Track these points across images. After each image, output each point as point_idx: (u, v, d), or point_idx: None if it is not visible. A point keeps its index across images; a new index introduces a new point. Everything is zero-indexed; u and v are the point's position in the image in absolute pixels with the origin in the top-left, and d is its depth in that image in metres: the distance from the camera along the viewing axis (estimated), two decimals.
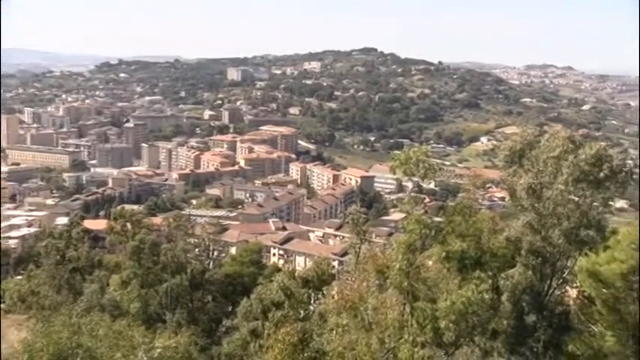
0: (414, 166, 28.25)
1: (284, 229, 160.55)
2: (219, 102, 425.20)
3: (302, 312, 38.67)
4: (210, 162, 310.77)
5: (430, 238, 27.83)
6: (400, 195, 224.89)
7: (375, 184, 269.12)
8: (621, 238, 34.04)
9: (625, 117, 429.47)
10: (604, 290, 34.29)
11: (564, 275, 32.97)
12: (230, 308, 57.12)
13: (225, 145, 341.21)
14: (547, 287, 32.27)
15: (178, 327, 44.52)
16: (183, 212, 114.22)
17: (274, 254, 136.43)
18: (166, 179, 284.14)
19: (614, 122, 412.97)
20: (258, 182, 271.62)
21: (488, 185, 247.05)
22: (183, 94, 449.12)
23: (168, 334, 32.24)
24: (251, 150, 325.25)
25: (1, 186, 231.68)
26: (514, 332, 31.29)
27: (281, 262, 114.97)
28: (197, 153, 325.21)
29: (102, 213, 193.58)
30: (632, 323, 32.19)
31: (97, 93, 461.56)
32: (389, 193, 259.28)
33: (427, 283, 27.87)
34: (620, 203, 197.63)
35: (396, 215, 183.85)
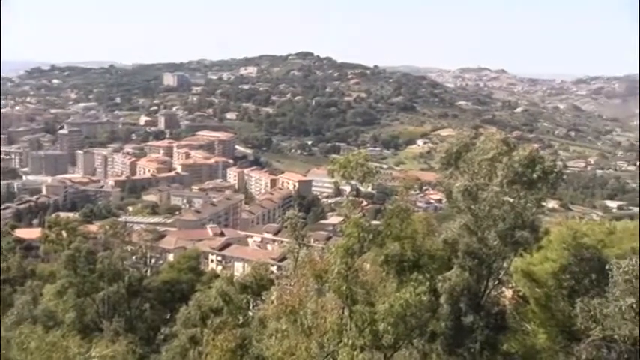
0: (353, 170, 28.37)
1: (222, 234, 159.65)
2: (155, 108, 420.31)
3: (241, 318, 38.53)
4: (146, 168, 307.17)
5: (368, 242, 27.93)
6: (338, 199, 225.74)
7: (313, 188, 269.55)
8: (553, 238, 34.77)
9: (555, 119, 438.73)
10: (537, 289, 35.00)
11: (500, 276, 33.47)
12: (168, 315, 56.65)
13: (162, 151, 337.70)
14: (484, 288, 32.70)
15: (116, 335, 43.93)
16: (120, 219, 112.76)
17: (212, 260, 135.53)
18: (102, 186, 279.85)
19: (545, 124, 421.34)
20: (195, 188, 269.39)
21: (425, 188, 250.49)
22: (118, 100, 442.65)
23: (106, 343, 31.77)
24: (188, 156, 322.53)
25: None
26: (452, 333, 31.60)
27: (219, 268, 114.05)
28: (133, 159, 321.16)
29: (35, 221, 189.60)
30: (562, 320, 32.89)
31: (28, 99, 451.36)
32: (327, 197, 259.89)
33: (366, 286, 27.96)
34: (552, 204, 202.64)
35: (334, 219, 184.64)
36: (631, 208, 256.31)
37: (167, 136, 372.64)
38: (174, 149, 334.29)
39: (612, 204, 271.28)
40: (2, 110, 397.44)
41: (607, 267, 26.95)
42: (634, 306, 24.90)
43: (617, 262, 26.04)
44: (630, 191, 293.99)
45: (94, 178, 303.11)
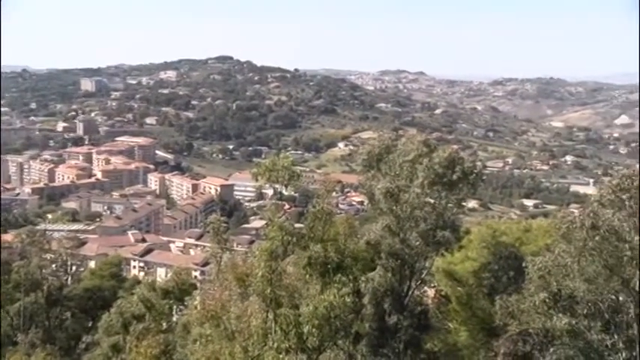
0: (278, 173, 28.35)
1: (144, 240, 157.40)
2: (73, 113, 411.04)
3: (164, 324, 38.14)
4: (65, 175, 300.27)
5: (292, 245, 27.93)
6: (260, 202, 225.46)
7: (235, 193, 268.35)
8: (473, 237, 35.55)
9: (473, 120, 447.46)
10: (458, 288, 35.71)
11: (423, 276, 33.95)
12: (90, 323, 55.54)
13: (81, 157, 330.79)
14: (407, 288, 33.08)
15: (32, 348, 42.86)
16: (38, 227, 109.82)
17: (134, 267, 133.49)
18: (18, 194, 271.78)
19: (464, 125, 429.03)
20: (116, 194, 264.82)
21: (346, 190, 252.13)
22: (33, 105, 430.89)
23: (20, 356, 30.94)
24: (108, 161, 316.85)
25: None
26: (376, 334, 31.89)
27: (142, 274, 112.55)
28: (51, 166, 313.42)
29: None
30: (483, 317, 33.59)
31: None
32: (249, 200, 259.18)
33: (289, 289, 27.96)
34: (472, 203, 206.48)
35: (256, 223, 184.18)
36: (545, 206, 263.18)
37: (86, 142, 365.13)
38: (94, 155, 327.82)
39: (529, 202, 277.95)
40: None
41: (523, 264, 27.64)
42: (547, 301, 25.60)
43: (533, 259, 26.72)
44: (544, 190, 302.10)
45: (8, 186, 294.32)
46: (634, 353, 24.92)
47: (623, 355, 24.96)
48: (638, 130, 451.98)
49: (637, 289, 24.72)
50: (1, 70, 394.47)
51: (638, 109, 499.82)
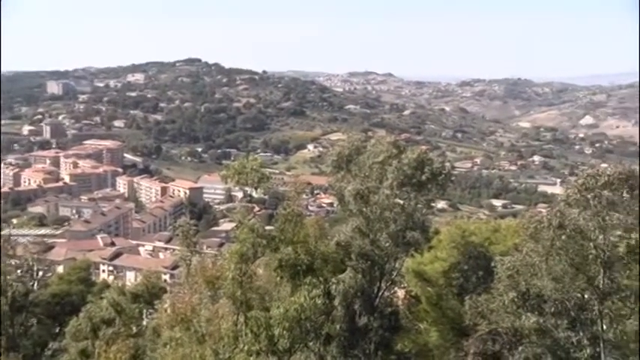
0: (247, 176, 28.30)
1: (113, 244, 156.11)
2: (40, 117, 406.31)
3: (134, 328, 37.91)
4: (31, 179, 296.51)
5: (262, 247, 27.91)
6: (230, 205, 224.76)
7: (204, 195, 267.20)
8: (443, 237, 35.75)
9: (442, 121, 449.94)
10: (428, 288, 35.88)
11: (393, 277, 34.06)
12: (57, 330, 54.78)
13: (48, 161, 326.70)
14: (377, 289, 33.17)
15: None
16: (3, 232, 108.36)
17: (104, 271, 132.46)
18: None
19: (432, 126, 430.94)
20: (84, 198, 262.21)
21: (316, 192, 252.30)
22: None
23: None
24: (76, 165, 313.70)
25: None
26: (347, 335, 31.92)
27: (111, 278, 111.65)
28: (17, 170, 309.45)
29: None
30: (453, 317, 33.81)
31: None
32: (218, 203, 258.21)
33: (260, 291, 27.96)
34: (441, 204, 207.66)
35: (226, 225, 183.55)
36: (514, 206, 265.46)
37: (53, 145, 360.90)
38: (62, 159, 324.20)
39: (497, 202, 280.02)
40: None
41: (492, 264, 27.89)
42: (515, 300, 25.88)
43: (501, 259, 26.98)
44: (512, 190, 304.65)
45: None
46: (597, 349, 25.31)
47: (588, 351, 25.37)
48: (602, 131, 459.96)
49: (601, 286, 25.11)
50: None
51: (600, 110, 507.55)
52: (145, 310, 40.66)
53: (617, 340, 25.38)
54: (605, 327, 25.38)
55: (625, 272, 25.12)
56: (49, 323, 56.34)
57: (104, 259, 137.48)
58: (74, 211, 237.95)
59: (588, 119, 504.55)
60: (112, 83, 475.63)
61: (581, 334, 25.75)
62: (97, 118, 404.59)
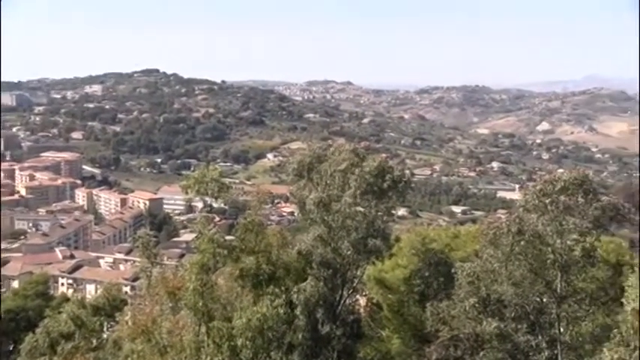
0: (207, 186, 28.23)
1: (72, 257, 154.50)
2: None
3: (94, 341, 37.40)
4: None
5: (223, 257, 27.84)
6: (190, 216, 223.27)
7: (164, 206, 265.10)
8: (403, 244, 35.94)
9: (401, 129, 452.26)
10: (390, 296, 36.03)
11: (355, 284, 34.13)
12: (12, 347, 53.68)
13: (3, 174, 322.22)
14: (339, 297, 33.21)
15: None
16: None
17: (63, 284, 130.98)
18: None
19: (392, 134, 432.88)
20: (42, 210, 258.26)
21: (277, 201, 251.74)
22: None
23: None
24: (32, 177, 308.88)
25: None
26: (309, 344, 31.91)
27: (70, 291, 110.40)
28: None
29: None
30: (414, 324, 34.01)
31: None
32: (178, 214, 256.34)
33: (222, 302, 27.87)
34: (401, 211, 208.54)
35: (186, 236, 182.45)
36: (473, 212, 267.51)
37: (7, 158, 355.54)
38: (17, 171, 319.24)
39: (457, 209, 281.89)
40: None
41: (453, 270, 28.14)
42: (476, 305, 26.16)
43: (462, 265, 27.23)
44: (472, 196, 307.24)
45: None
46: (555, 351, 25.71)
47: (546, 354, 25.80)
48: (558, 137, 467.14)
49: (558, 290, 25.53)
50: None
51: (557, 115, 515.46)
52: (105, 323, 40.12)
53: (574, 342, 25.86)
54: (562, 329, 25.84)
55: (581, 275, 25.61)
56: (3, 341, 55.24)
57: (63, 272, 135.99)
58: (31, 225, 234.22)
59: (544, 125, 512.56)
60: (69, 95, 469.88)
61: (539, 337, 26.14)
62: (55, 130, 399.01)
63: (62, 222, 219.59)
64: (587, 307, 26.08)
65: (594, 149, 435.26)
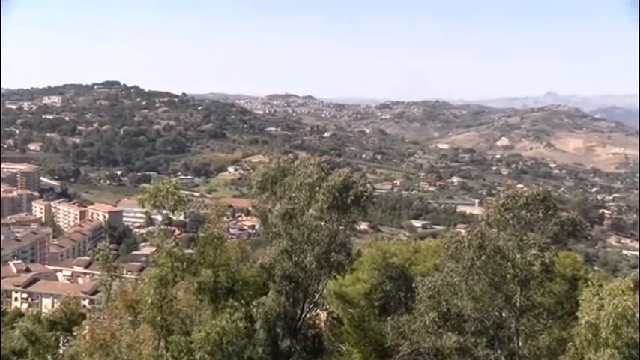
0: (163, 199, 27.99)
1: (28, 270, 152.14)
2: None
3: (49, 357, 36.73)
4: None
5: (182, 271, 27.62)
6: (150, 228, 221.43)
7: (124, 219, 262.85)
8: (364, 259, 35.94)
9: (362, 143, 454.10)
10: (350, 310, 35.99)
11: (316, 299, 34.04)
12: None
13: None
14: (300, 311, 33.07)
15: None
16: None
17: (17, 298, 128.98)
18: None
19: (353, 148, 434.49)
20: None
21: (237, 214, 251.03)
22: None
23: None
24: None
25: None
26: (269, 359, 31.73)
27: (25, 305, 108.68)
28: None
29: None
30: (375, 338, 33.99)
31: None
32: (138, 227, 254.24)
33: (181, 315, 27.63)
34: (363, 225, 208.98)
35: (146, 249, 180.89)
36: (434, 226, 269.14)
37: None
38: None
39: (417, 223, 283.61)
40: None
41: (413, 284, 28.21)
42: (436, 320, 26.24)
43: (422, 279, 27.32)
44: (432, 211, 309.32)
45: None
46: None
47: None
48: (517, 152, 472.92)
49: (518, 304, 25.73)
50: None
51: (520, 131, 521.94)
52: (62, 338, 39.45)
53: (531, 356, 26.08)
54: (520, 343, 26.05)
55: (539, 290, 25.86)
56: None
57: (18, 285, 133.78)
58: None
59: (504, 141, 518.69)
60: (25, 105, 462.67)
61: (499, 351, 26.31)
62: (10, 141, 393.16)
63: (18, 235, 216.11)
64: (545, 320, 26.38)
65: (552, 165, 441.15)
